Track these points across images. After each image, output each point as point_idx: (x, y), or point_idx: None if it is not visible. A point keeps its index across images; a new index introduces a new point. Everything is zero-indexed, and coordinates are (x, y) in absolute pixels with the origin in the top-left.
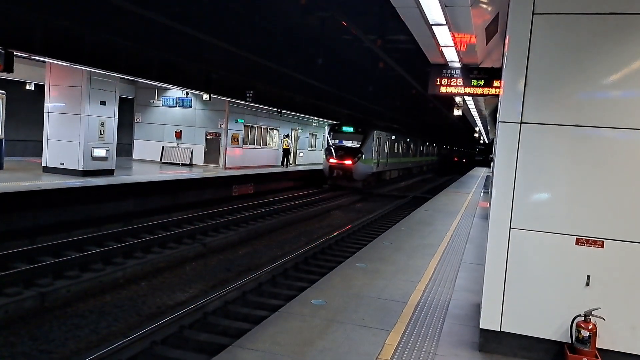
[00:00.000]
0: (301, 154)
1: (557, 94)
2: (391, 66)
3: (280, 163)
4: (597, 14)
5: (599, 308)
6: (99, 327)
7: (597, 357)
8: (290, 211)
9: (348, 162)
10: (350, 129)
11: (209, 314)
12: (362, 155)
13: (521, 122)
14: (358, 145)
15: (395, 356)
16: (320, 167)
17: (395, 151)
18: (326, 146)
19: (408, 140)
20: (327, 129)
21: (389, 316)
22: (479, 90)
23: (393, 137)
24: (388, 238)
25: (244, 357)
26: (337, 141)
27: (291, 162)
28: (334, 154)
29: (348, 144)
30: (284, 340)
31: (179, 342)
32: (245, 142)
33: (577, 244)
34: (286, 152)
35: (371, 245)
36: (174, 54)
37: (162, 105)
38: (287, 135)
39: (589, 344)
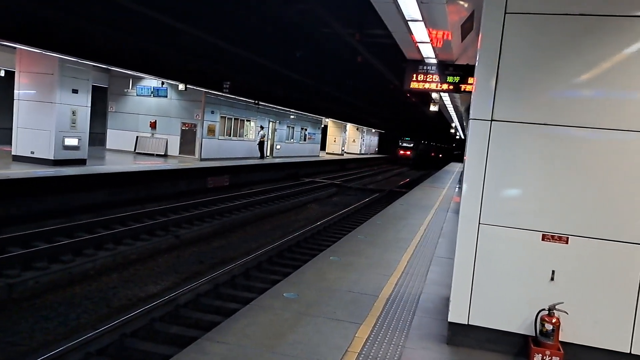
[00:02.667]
0: (278, 146)
1: (527, 93)
2: (369, 61)
3: (258, 155)
4: (567, 14)
5: (563, 302)
6: (68, 319)
7: (560, 350)
8: (266, 204)
9: (408, 153)
10: (409, 139)
11: (180, 307)
12: (414, 151)
13: (492, 120)
14: (412, 146)
15: (365, 349)
16: (300, 160)
17: (420, 148)
18: (398, 146)
19: (423, 142)
20: (400, 140)
21: (360, 309)
22: (454, 87)
23: (421, 142)
24: (362, 232)
25: (213, 350)
26: (402, 144)
27: (268, 154)
28: (402, 149)
29: (407, 145)
30: (254, 333)
31: (149, 335)
32: (221, 134)
33: (543, 239)
34: (262, 144)
35: (346, 239)
36: (150, 43)
37: (137, 95)
38: (262, 127)
39: (552, 337)
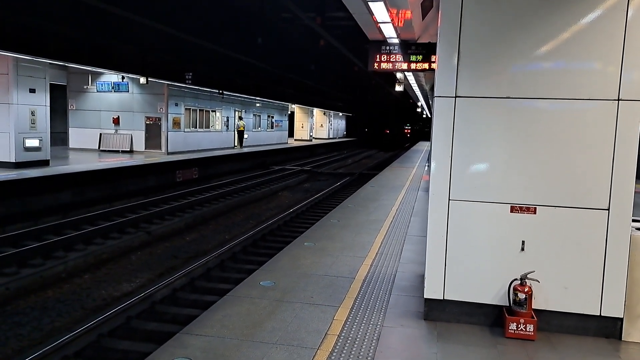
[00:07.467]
0: (246, 136)
1: (489, 68)
2: (332, 44)
3: (232, 145)
4: None
5: (534, 271)
6: (42, 323)
7: (533, 318)
8: (238, 194)
9: (409, 131)
10: (408, 124)
11: (156, 303)
12: (409, 130)
13: (456, 96)
14: (409, 128)
15: (344, 331)
16: (269, 148)
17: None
18: (403, 127)
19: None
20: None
21: (337, 292)
22: (418, 66)
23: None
24: (335, 216)
25: (192, 343)
26: (405, 127)
27: (236, 144)
28: (405, 129)
29: (407, 127)
30: (232, 323)
31: (126, 333)
32: (187, 126)
33: (511, 211)
34: (240, 133)
35: (319, 224)
36: (107, 37)
37: (97, 91)
38: (241, 118)
39: (525, 306)
